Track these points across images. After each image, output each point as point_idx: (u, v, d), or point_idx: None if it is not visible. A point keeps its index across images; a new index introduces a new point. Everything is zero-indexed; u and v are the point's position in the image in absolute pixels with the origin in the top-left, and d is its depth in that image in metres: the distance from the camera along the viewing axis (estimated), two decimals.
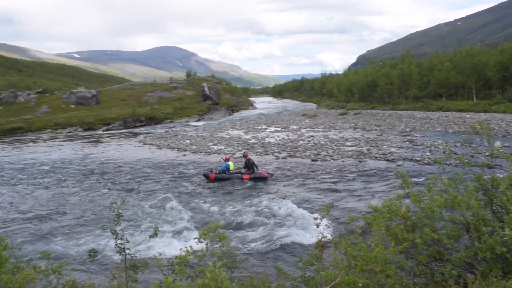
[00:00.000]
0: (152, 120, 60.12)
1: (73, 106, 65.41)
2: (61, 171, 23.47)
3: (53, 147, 36.82)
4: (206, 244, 4.37)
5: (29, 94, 70.93)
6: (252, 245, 11.19)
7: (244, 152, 21.99)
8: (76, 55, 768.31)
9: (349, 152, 24.85)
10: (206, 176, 19.30)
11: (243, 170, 19.45)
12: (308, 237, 11.20)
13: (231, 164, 19.37)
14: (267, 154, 26.24)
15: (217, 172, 19.18)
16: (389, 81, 73.14)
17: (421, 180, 16.34)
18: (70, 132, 51.08)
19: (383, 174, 18.94)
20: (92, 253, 5.34)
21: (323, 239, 4.74)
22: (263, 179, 18.81)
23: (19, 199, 17.66)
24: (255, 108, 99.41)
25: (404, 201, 4.90)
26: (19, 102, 66.40)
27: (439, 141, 27.30)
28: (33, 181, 21.19)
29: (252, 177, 18.79)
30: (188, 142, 34.20)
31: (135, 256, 5.29)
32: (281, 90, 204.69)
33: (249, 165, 19.23)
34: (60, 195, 18.03)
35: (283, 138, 34.05)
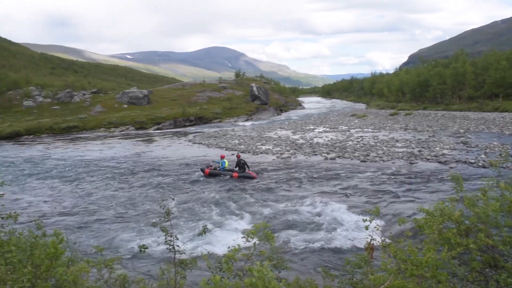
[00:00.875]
0: (201, 120, 60.85)
1: (125, 105, 67.31)
2: (112, 168, 24.25)
3: (109, 144, 38.11)
4: (254, 243, 4.39)
5: (84, 94, 73.76)
6: (298, 245, 11.15)
7: (237, 153, 23.66)
8: (128, 56, 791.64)
9: (400, 154, 24.31)
10: (202, 170, 21.39)
11: (235, 169, 20.75)
12: (356, 240, 11.06)
13: (226, 162, 21.33)
14: (315, 154, 26.06)
15: (219, 168, 21.09)
16: (442, 80, 70.86)
17: (476, 183, 15.77)
18: (122, 130, 52.64)
19: (435, 177, 18.40)
20: (143, 248, 5.46)
21: (372, 242, 4.67)
22: (250, 178, 20.03)
23: (71, 194, 18.40)
24: (303, 108, 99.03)
25: (457, 205, 4.75)
26: (74, 102, 69.19)
27: (495, 143, 26.23)
28: (85, 176, 22.00)
29: (241, 175, 20.26)
30: (237, 141, 34.49)
31: (184, 252, 5.38)
32: (330, 90, 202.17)
33: (240, 165, 20.67)
34: (110, 191, 18.65)
35: (331, 138, 33.68)
